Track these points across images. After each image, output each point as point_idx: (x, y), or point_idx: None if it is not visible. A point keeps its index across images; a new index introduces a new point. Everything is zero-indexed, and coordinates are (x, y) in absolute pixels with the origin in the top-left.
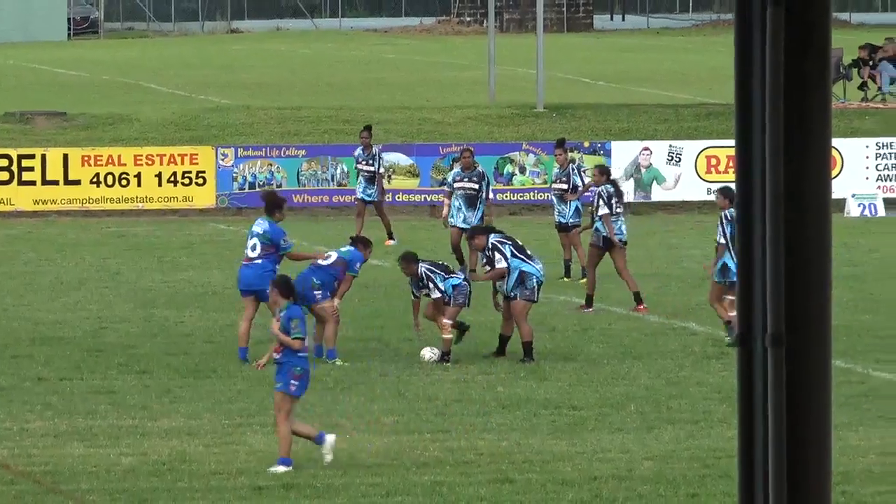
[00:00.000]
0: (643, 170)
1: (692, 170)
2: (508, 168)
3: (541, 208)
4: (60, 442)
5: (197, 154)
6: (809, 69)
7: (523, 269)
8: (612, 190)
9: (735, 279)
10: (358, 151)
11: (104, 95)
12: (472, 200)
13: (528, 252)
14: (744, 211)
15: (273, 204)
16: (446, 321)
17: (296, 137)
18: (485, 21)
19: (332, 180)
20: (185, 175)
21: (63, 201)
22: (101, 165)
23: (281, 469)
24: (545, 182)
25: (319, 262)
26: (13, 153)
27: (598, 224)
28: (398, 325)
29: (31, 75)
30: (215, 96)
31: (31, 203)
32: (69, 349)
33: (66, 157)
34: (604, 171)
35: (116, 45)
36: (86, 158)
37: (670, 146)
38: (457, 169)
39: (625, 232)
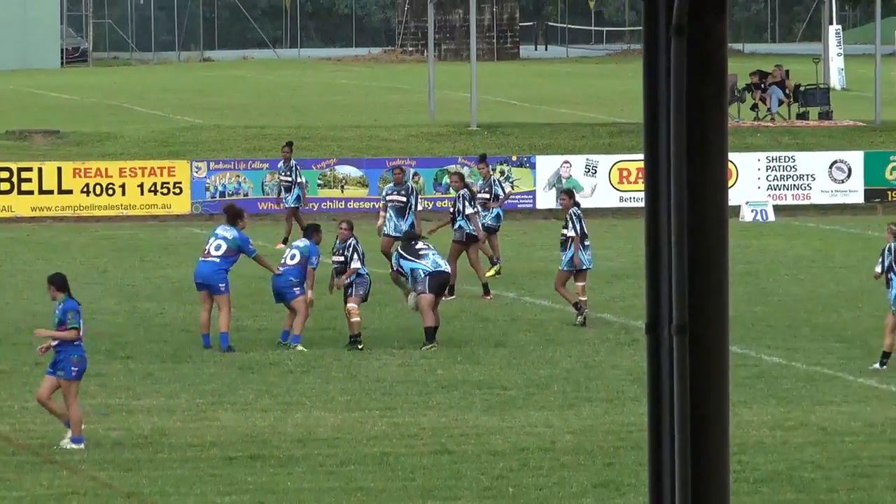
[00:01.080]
0: (564, 180)
1: (606, 180)
2: (446, 179)
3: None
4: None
5: (174, 167)
6: (708, 92)
7: (412, 266)
8: (468, 193)
9: (585, 268)
10: (280, 164)
11: (93, 116)
12: (401, 211)
13: (421, 253)
14: (651, 216)
15: (235, 215)
16: (352, 306)
17: (260, 153)
18: (425, 51)
19: None
20: (164, 185)
21: (57, 208)
22: (91, 177)
23: (74, 447)
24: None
25: (287, 262)
26: (13, 166)
27: (460, 222)
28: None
29: (28, 98)
30: (190, 116)
31: (29, 210)
32: None
33: (59, 169)
34: (461, 178)
35: (103, 72)
36: (77, 171)
37: (587, 160)
38: (390, 184)
39: (480, 228)
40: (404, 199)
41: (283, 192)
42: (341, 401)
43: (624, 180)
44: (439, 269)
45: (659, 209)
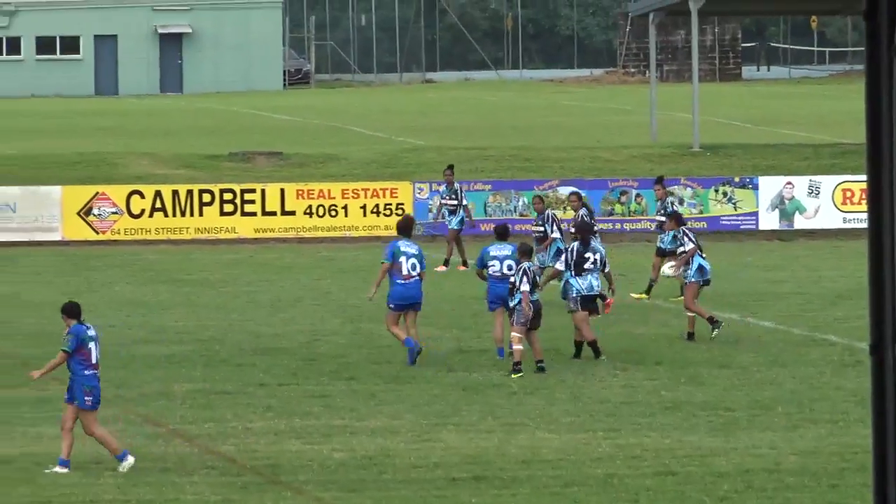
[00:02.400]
0: (787, 201)
1: (829, 201)
2: (668, 200)
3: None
4: (280, 439)
5: (396, 188)
6: None
7: (569, 280)
8: (587, 212)
9: (709, 277)
10: (443, 188)
11: (315, 137)
12: (540, 241)
13: (585, 267)
14: (875, 237)
15: (411, 227)
16: (515, 335)
17: (482, 174)
18: (647, 72)
19: (515, 211)
20: (387, 207)
21: (280, 230)
22: (314, 198)
23: (127, 462)
24: (701, 212)
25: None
26: (237, 188)
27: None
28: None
29: (251, 120)
30: (412, 138)
31: (252, 231)
32: (286, 358)
33: (282, 191)
34: (579, 197)
35: (325, 93)
36: (300, 192)
37: (810, 181)
38: (535, 214)
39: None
40: (541, 227)
41: (447, 215)
42: (565, 422)
43: (847, 201)
44: (592, 293)
45: (882, 230)
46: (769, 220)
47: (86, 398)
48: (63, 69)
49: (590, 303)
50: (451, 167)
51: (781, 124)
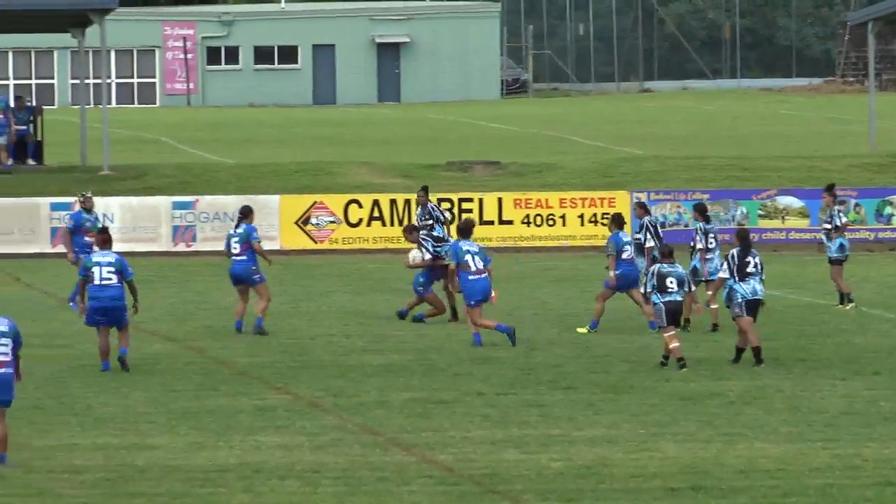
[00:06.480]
0: None
1: None
2: (888, 210)
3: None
4: (497, 448)
5: (614, 198)
6: None
7: (733, 286)
8: (706, 227)
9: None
10: (418, 210)
11: (533, 146)
12: (639, 249)
13: (748, 271)
14: None
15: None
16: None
17: (701, 183)
18: (866, 81)
19: (733, 220)
20: (604, 216)
21: (497, 239)
22: (531, 208)
23: None
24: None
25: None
26: (454, 197)
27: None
28: (791, 346)
29: (469, 130)
30: (629, 147)
31: None
32: (504, 368)
33: (500, 200)
34: (700, 210)
35: (543, 103)
36: (517, 201)
37: None
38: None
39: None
40: (640, 235)
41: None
42: (783, 432)
43: None
44: (756, 296)
45: None
46: None
47: None
48: (281, 79)
49: (755, 308)
50: (424, 188)
51: None
